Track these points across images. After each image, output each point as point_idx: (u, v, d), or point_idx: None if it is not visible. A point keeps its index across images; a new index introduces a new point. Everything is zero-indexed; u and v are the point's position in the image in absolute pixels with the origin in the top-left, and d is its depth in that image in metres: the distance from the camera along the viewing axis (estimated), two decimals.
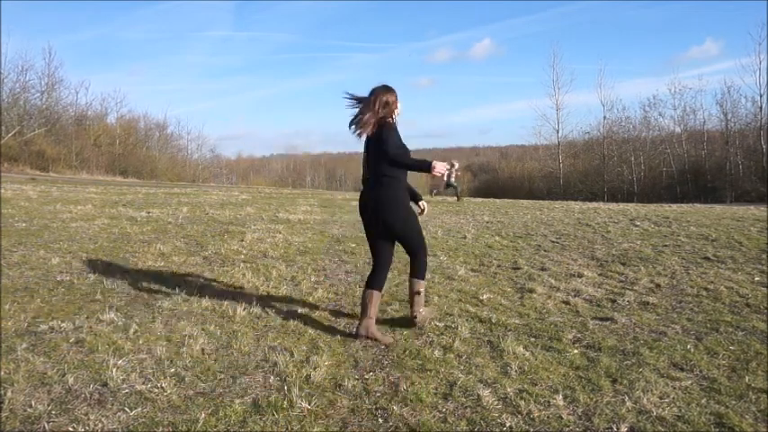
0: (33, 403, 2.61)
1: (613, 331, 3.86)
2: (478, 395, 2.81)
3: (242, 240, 7.18)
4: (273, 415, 2.57)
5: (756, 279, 5.43)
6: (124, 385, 2.82)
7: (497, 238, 8.07)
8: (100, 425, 2.45)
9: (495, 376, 3.06)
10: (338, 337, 3.66)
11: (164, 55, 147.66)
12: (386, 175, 3.55)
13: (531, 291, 4.89)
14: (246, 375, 3.02)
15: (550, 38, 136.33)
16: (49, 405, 2.60)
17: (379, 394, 2.84)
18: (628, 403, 2.75)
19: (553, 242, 7.71)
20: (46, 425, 2.44)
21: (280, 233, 7.92)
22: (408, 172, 3.68)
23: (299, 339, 3.60)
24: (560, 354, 3.41)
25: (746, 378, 3.07)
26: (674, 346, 3.57)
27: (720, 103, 37.86)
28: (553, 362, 3.29)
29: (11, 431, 2.41)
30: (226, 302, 4.28)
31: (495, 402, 2.74)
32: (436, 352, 3.40)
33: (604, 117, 42.24)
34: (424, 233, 4.08)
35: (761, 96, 34.48)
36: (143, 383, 2.84)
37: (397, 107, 3.62)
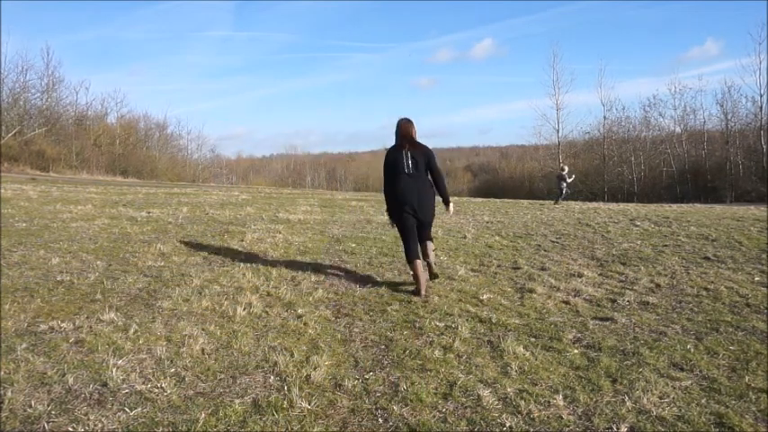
0: (33, 403, 2.61)
1: (613, 331, 3.86)
2: (478, 395, 2.81)
3: (242, 240, 7.18)
4: (273, 415, 2.57)
5: (756, 279, 5.43)
6: (124, 385, 2.82)
7: (497, 237, 8.08)
8: (100, 425, 2.45)
9: (495, 376, 3.06)
10: (338, 337, 3.67)
11: (164, 55, 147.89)
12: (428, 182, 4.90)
13: (532, 291, 4.89)
14: (246, 375, 3.02)
15: (551, 38, 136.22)
16: (48, 405, 2.60)
17: (379, 394, 2.84)
18: (628, 403, 2.75)
19: (553, 242, 7.71)
20: (46, 425, 2.44)
21: (280, 233, 7.92)
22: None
23: (299, 339, 3.60)
24: (560, 354, 3.41)
25: (746, 378, 3.07)
26: (674, 346, 3.57)
27: (721, 103, 37.97)
28: (553, 362, 3.28)
29: (11, 431, 2.41)
30: (226, 302, 4.29)
31: (495, 402, 2.74)
32: (436, 352, 3.39)
33: (604, 117, 42.30)
34: None
35: (761, 96, 34.56)
36: (143, 383, 2.84)
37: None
